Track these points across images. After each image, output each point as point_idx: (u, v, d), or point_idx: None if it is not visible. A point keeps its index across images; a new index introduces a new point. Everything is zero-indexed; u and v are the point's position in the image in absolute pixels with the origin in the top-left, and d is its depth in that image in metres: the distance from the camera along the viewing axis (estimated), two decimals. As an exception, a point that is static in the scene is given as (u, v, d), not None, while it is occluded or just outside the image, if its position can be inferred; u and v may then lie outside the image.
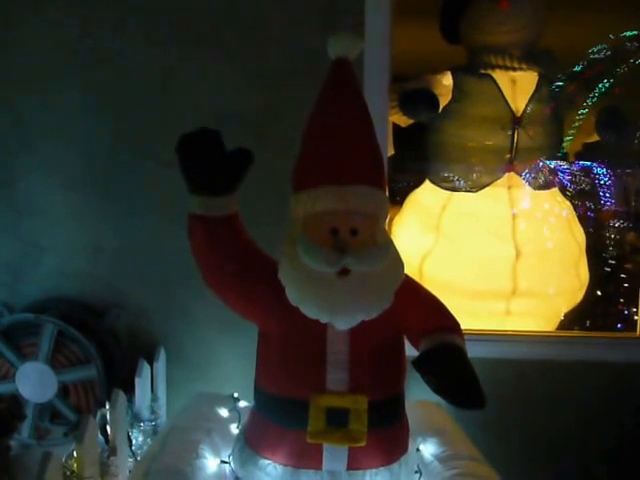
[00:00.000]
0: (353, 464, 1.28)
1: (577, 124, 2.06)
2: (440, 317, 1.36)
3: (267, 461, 1.32)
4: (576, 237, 2.17)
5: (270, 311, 1.32)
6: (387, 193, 1.38)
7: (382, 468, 1.31)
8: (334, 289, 1.22)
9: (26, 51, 1.89)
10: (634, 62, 2.01)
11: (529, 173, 2.09)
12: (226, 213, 1.30)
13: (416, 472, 1.42)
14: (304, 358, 1.29)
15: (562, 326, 2.22)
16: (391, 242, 1.34)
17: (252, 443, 1.36)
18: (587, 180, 2.20)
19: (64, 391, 1.89)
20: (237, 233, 1.34)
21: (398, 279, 1.29)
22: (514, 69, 2.02)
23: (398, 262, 1.32)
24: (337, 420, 1.24)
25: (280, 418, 1.31)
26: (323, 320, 1.25)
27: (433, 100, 2.02)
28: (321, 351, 1.28)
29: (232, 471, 1.40)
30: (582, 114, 2.05)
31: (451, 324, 1.35)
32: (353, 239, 1.24)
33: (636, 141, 2.10)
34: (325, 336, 1.28)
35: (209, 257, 1.33)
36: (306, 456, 1.28)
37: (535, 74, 2.05)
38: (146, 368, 1.82)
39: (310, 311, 1.24)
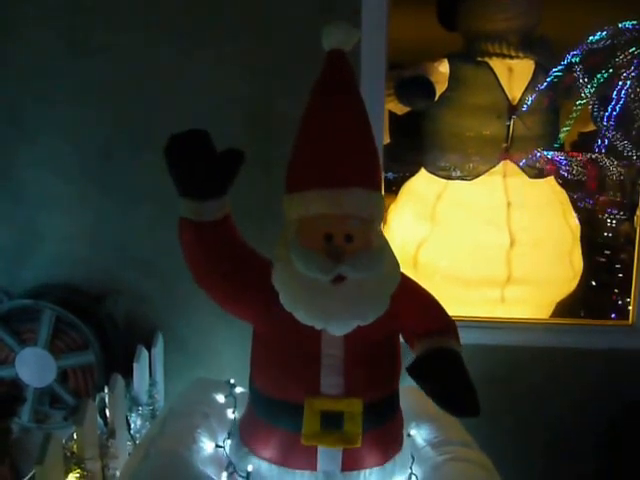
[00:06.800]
0: (348, 465, 1.28)
1: (574, 115, 2.06)
2: (436, 318, 1.33)
3: (262, 461, 1.31)
4: (570, 226, 2.19)
5: (264, 314, 1.29)
6: (383, 193, 1.34)
7: (376, 468, 1.31)
8: (329, 296, 1.19)
9: (25, 44, 1.88)
10: (633, 52, 2.00)
11: (526, 163, 2.10)
12: (217, 217, 1.25)
13: (408, 459, 1.41)
14: (298, 361, 1.27)
15: (556, 315, 2.24)
16: (387, 245, 1.30)
17: (247, 441, 1.35)
18: (583, 171, 2.21)
19: (63, 376, 1.91)
20: (229, 235, 1.29)
21: (394, 284, 1.26)
22: (511, 57, 2.02)
23: (394, 266, 1.29)
24: (332, 423, 1.23)
25: (275, 419, 1.29)
26: (318, 327, 1.22)
27: (429, 88, 2.02)
28: (315, 355, 1.25)
29: (226, 456, 1.41)
30: (580, 105, 2.04)
31: (446, 325, 1.32)
32: (348, 245, 1.20)
33: (633, 132, 2.10)
34: (319, 340, 1.25)
35: (201, 261, 1.30)
36: (301, 457, 1.27)
37: (532, 62, 2.06)
38: (144, 354, 1.84)
39: (304, 318, 1.21)
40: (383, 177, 1.94)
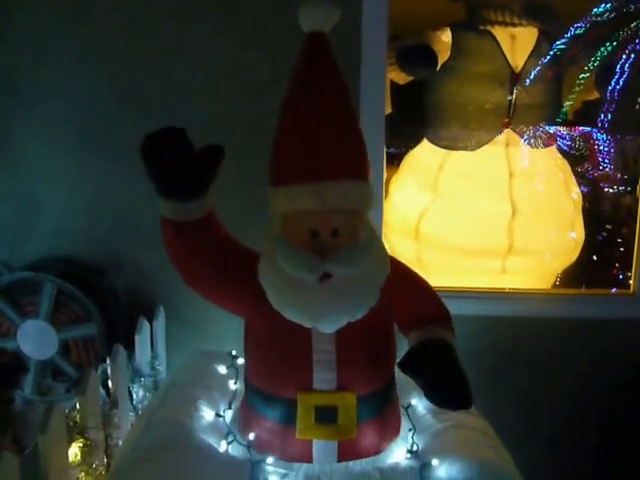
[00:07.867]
0: (344, 455, 1.28)
1: (578, 89, 2.03)
2: (428, 307, 1.31)
3: (261, 455, 1.30)
4: (572, 196, 2.17)
5: (255, 309, 1.27)
6: (374, 180, 1.28)
7: (373, 457, 1.31)
8: (316, 295, 1.18)
9: (24, 10, 1.85)
10: (638, 25, 1.97)
11: (528, 137, 2.08)
12: (199, 216, 1.22)
13: (409, 430, 1.41)
14: (289, 358, 1.26)
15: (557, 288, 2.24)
16: (375, 236, 1.28)
17: (245, 434, 1.34)
18: (586, 145, 2.19)
19: (65, 348, 1.92)
20: (214, 233, 1.26)
21: (383, 276, 1.23)
22: (514, 25, 1.99)
23: (383, 258, 1.26)
24: (326, 417, 1.24)
25: (269, 413, 1.30)
26: (307, 325, 1.22)
27: (431, 56, 2.00)
28: (307, 351, 1.24)
29: (226, 425, 1.41)
30: (583, 78, 2.02)
31: (439, 314, 1.30)
32: (334, 241, 1.18)
33: (637, 106, 2.07)
34: (310, 335, 1.24)
35: (186, 262, 1.28)
36: (296, 449, 1.28)
37: (535, 30, 2.03)
38: (145, 326, 1.84)
39: (292, 317, 1.21)
40: (385, 152, 1.94)
